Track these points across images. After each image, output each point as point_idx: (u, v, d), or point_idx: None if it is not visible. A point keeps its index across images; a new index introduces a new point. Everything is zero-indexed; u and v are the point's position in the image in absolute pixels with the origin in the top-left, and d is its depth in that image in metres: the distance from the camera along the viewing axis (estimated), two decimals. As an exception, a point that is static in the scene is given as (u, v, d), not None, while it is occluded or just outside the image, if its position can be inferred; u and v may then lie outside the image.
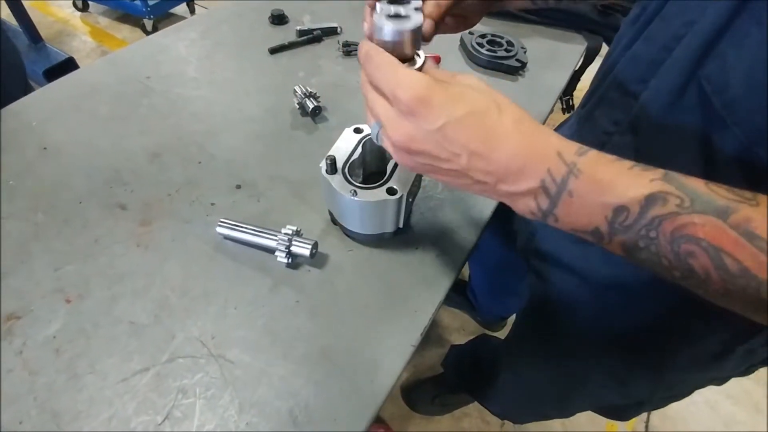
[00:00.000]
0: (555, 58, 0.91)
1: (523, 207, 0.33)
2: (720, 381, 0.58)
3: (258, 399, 0.43)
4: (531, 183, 0.31)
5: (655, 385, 0.60)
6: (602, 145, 0.48)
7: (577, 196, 0.30)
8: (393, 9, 0.33)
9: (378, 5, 0.33)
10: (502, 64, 0.83)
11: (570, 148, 0.31)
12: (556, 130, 0.56)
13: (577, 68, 0.92)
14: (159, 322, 0.47)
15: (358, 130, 0.53)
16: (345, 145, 0.51)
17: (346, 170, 0.49)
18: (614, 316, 0.54)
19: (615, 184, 0.29)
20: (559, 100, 0.90)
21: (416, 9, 0.33)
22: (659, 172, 0.29)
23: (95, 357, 0.45)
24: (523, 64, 0.84)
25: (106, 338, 0.46)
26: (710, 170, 0.37)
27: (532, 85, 0.84)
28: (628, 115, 0.45)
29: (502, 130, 0.31)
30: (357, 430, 0.41)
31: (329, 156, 0.48)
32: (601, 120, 0.49)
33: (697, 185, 0.28)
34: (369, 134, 0.53)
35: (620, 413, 0.73)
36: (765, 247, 0.25)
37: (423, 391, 1.28)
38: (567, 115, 0.76)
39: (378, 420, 1.24)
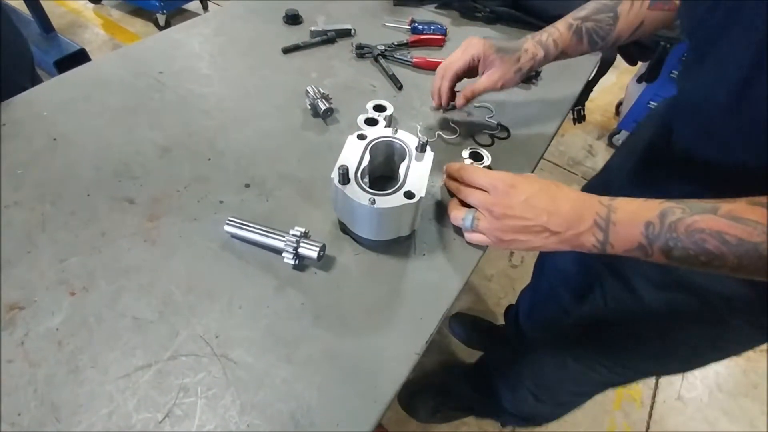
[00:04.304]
0: (568, 68, 0.90)
1: (587, 242, 0.45)
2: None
3: (260, 401, 0.42)
4: (588, 224, 0.45)
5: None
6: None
7: (620, 225, 0.43)
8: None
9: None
10: (516, 72, 0.82)
11: (603, 198, 0.46)
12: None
13: (590, 79, 0.92)
14: (163, 319, 0.47)
15: (362, 137, 0.52)
16: (352, 152, 0.51)
17: (359, 178, 0.49)
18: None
19: (639, 210, 0.43)
20: (570, 111, 0.89)
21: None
22: (663, 199, 0.42)
23: (97, 351, 0.44)
24: (537, 73, 0.84)
25: (109, 332, 0.46)
26: None
27: (545, 94, 0.83)
28: None
29: (562, 196, 0.47)
30: (359, 436, 0.41)
31: (342, 166, 0.47)
32: None
33: (691, 200, 0.41)
34: (375, 139, 0.53)
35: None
36: (749, 222, 0.37)
37: (425, 400, 1.26)
38: (577, 125, 0.81)
39: (377, 426, 1.23)
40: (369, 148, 0.52)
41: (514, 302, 1.52)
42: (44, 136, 0.64)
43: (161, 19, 2.33)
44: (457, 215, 0.53)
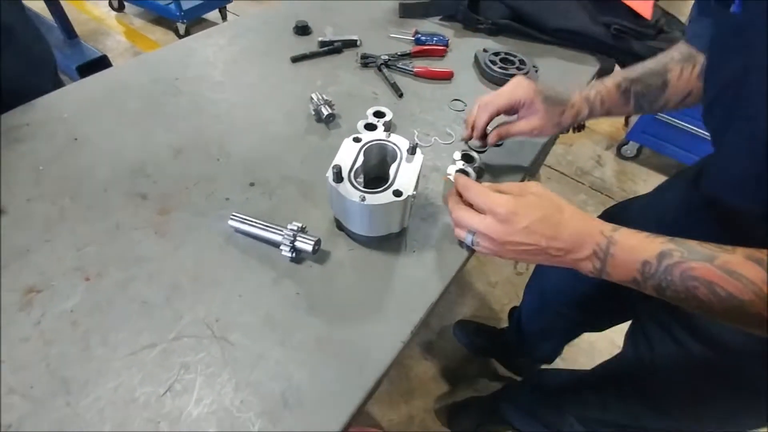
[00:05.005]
0: (567, 77, 0.93)
1: (585, 268, 0.47)
2: None
3: (253, 380, 0.45)
4: (587, 251, 0.46)
5: None
6: None
7: (618, 258, 0.44)
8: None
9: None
10: (513, 81, 0.86)
11: (607, 227, 0.46)
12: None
13: (588, 89, 0.94)
14: (169, 304, 0.51)
15: (357, 140, 0.56)
16: (347, 153, 0.54)
17: (352, 177, 0.52)
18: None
19: (639, 247, 0.44)
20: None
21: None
22: (665, 237, 0.43)
23: (107, 331, 0.48)
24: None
25: (119, 315, 0.50)
26: None
27: (541, 103, 0.86)
28: None
29: (564, 221, 0.47)
30: (341, 415, 0.44)
31: (335, 165, 0.51)
32: None
33: (692, 243, 0.42)
34: (369, 141, 0.56)
35: None
36: (741, 278, 0.38)
37: (469, 416, 1.26)
38: (574, 134, 0.80)
39: (377, 426, 1.26)
40: (363, 150, 0.55)
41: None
42: (65, 136, 0.70)
43: (181, 28, 2.43)
44: (459, 233, 0.53)
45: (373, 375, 0.47)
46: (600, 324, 0.98)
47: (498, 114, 0.63)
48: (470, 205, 0.52)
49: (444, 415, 1.29)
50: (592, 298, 0.86)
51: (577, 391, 0.88)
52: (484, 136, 0.66)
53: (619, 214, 0.81)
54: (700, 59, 0.61)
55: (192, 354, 0.47)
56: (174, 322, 0.49)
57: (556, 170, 2.00)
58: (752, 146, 0.45)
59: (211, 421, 0.43)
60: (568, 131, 0.70)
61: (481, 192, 0.50)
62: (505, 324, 1.42)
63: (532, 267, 1.64)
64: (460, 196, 0.53)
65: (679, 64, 0.63)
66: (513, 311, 1.34)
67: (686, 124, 1.78)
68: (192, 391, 0.44)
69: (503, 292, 1.59)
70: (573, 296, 0.92)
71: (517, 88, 0.61)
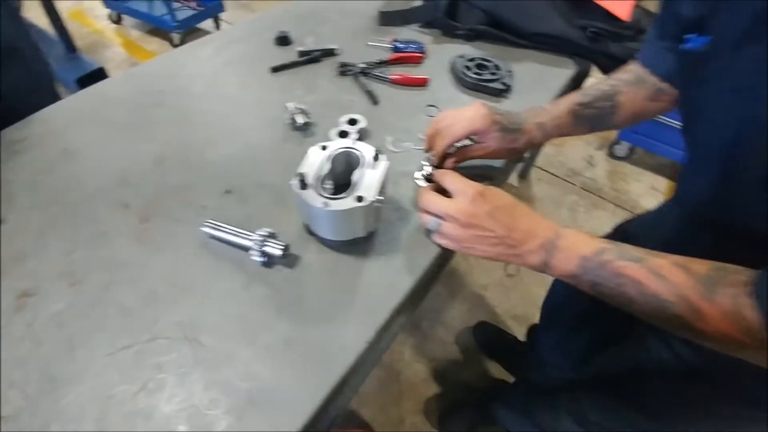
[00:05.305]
0: (542, 81, 0.95)
1: (533, 261, 0.50)
2: None
3: (222, 379, 0.48)
4: (537, 243, 0.50)
5: None
6: None
7: (561, 252, 0.49)
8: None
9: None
10: (487, 86, 0.88)
11: (554, 224, 0.52)
12: None
13: (563, 91, 0.96)
14: (146, 307, 0.54)
15: (324, 147, 0.59)
16: (314, 161, 0.57)
17: (317, 184, 0.55)
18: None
19: (581, 243, 0.49)
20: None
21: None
22: (604, 239, 0.48)
23: (89, 333, 0.52)
24: (508, 87, 0.89)
25: (100, 317, 0.53)
26: None
27: (516, 107, 0.87)
28: None
29: (520, 214, 0.52)
30: (305, 412, 0.46)
31: (299, 173, 0.54)
32: None
33: (626, 246, 0.47)
34: (335, 150, 0.59)
35: None
36: (666, 280, 0.42)
37: (460, 418, 1.27)
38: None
39: (367, 429, 1.27)
40: (330, 157, 0.58)
41: (511, 310, 1.56)
42: (57, 149, 0.73)
43: (176, 38, 2.48)
44: (425, 219, 0.57)
45: (337, 374, 0.49)
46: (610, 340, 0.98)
47: (456, 142, 0.66)
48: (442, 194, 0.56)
49: (435, 417, 1.30)
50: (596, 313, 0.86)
51: (571, 392, 0.89)
52: (443, 158, 0.69)
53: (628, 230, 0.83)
54: (651, 81, 0.66)
55: (165, 355, 0.50)
56: (149, 325, 0.52)
57: (547, 171, 2.02)
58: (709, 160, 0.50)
59: (180, 417, 0.46)
60: (522, 155, 0.74)
61: (455, 176, 0.56)
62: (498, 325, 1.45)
63: (523, 269, 1.66)
64: (434, 188, 0.58)
65: (629, 87, 0.67)
66: (532, 329, 1.35)
67: (679, 123, 1.77)
68: (164, 390, 0.47)
69: (494, 295, 1.60)
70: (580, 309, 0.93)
71: (474, 119, 0.63)
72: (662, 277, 0.42)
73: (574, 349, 1.13)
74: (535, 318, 1.49)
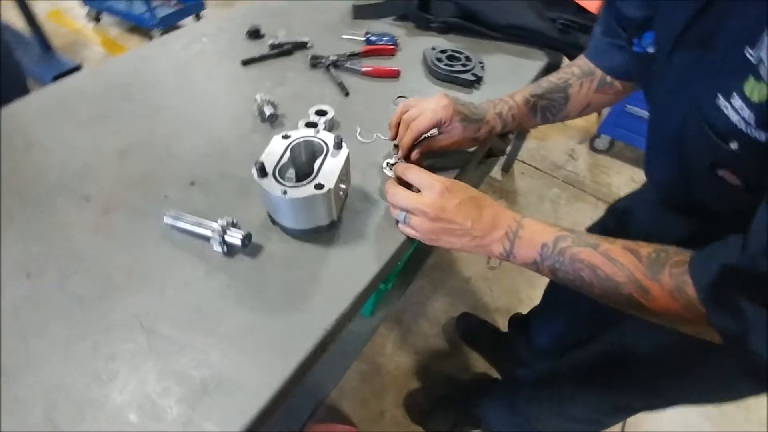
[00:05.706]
0: (514, 72, 0.96)
1: (496, 250, 0.53)
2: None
3: (177, 368, 0.48)
4: (500, 233, 0.52)
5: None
6: None
7: (524, 240, 0.51)
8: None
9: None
10: (458, 77, 0.88)
11: (516, 214, 0.54)
12: None
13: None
14: (103, 298, 0.53)
15: (286, 137, 0.58)
16: (275, 150, 0.57)
17: (277, 173, 0.55)
18: None
19: (540, 232, 0.51)
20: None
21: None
22: (561, 227, 0.51)
23: (44, 324, 0.51)
24: (479, 78, 0.89)
25: (56, 309, 0.52)
26: None
27: (486, 98, 0.88)
28: None
29: (485, 206, 0.54)
30: (260, 400, 0.46)
31: (257, 162, 0.53)
32: None
33: (582, 233, 0.49)
34: (297, 139, 0.59)
35: None
36: (617, 263, 0.45)
37: (444, 414, 1.26)
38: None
39: (348, 423, 1.27)
40: (291, 146, 0.58)
41: (493, 302, 1.57)
42: (22, 144, 0.72)
43: (156, 36, 2.45)
44: (394, 211, 0.59)
45: (294, 361, 0.49)
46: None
47: (421, 136, 0.66)
48: (408, 188, 0.57)
49: (417, 411, 1.30)
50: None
51: (556, 386, 0.90)
52: (409, 151, 0.68)
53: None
54: (598, 74, 0.69)
55: (120, 345, 0.49)
56: (106, 316, 0.52)
57: (529, 165, 2.03)
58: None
59: (132, 407, 0.45)
60: (484, 144, 0.76)
61: (420, 171, 0.57)
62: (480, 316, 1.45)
63: (505, 262, 1.67)
64: (399, 180, 0.59)
65: (578, 80, 0.71)
66: (514, 318, 1.36)
67: (655, 116, 1.80)
68: (116, 380, 0.47)
69: (476, 288, 1.61)
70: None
71: (437, 110, 0.64)
72: (614, 260, 0.45)
73: (565, 334, 1.14)
74: (517, 309, 1.50)
